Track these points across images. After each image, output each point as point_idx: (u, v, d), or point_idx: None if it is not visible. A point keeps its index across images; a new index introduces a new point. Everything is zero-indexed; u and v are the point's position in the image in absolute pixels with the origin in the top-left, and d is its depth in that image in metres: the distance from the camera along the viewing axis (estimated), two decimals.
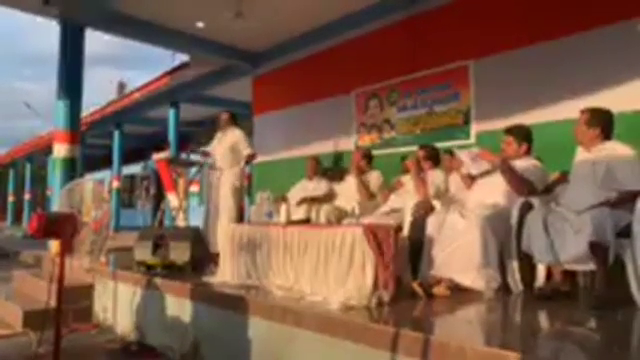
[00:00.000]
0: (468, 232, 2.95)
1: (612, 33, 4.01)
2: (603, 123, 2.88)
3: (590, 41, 4.13)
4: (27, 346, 3.41)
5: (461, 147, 4.43)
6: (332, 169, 6.07)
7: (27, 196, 19.78)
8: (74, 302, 4.08)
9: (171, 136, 10.43)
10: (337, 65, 6.43)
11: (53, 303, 2.44)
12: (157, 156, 5.46)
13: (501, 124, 3.69)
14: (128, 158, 15.10)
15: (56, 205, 2.64)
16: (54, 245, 2.42)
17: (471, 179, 3.52)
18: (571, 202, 2.78)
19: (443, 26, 5.26)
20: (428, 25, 5.43)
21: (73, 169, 5.70)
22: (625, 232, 2.54)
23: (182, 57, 8.84)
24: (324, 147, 6.44)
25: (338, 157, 6.30)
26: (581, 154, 2.99)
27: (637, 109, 3.78)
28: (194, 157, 5.46)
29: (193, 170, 6.10)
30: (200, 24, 6.61)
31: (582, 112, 2.96)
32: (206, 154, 5.39)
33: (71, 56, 5.87)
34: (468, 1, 5.08)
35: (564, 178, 3.19)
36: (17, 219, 21.36)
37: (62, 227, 2.34)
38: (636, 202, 2.55)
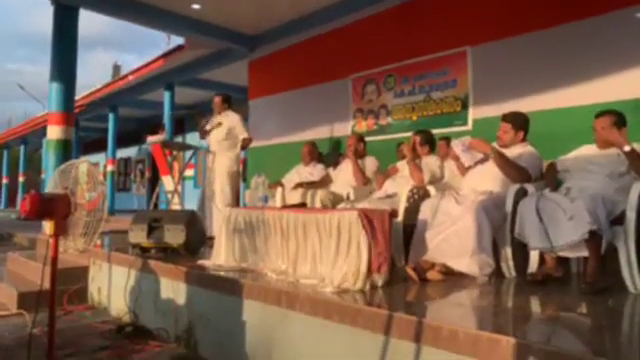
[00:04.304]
0: (463, 218, 2.95)
1: (611, 21, 3.99)
2: (624, 123, 2.93)
3: (589, 29, 4.11)
4: (22, 327, 3.42)
5: (458, 134, 4.43)
6: (328, 154, 6.05)
7: (21, 178, 19.70)
8: (69, 284, 4.09)
9: (166, 119, 10.37)
10: (334, 49, 6.38)
11: (47, 285, 2.44)
12: (152, 139, 5.43)
13: (498, 111, 3.68)
14: (123, 141, 15.03)
15: (49, 186, 2.62)
16: (48, 226, 2.41)
17: (465, 168, 3.53)
18: (578, 190, 2.80)
19: (441, 11, 5.23)
20: (426, 10, 5.39)
21: (67, 151, 5.67)
22: (619, 220, 2.56)
23: (178, 40, 8.76)
24: (320, 132, 6.42)
25: (334, 142, 6.29)
26: (593, 149, 3.02)
27: (634, 97, 3.78)
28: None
29: (188, 153, 6.08)
30: (196, 6, 6.53)
31: (604, 115, 2.96)
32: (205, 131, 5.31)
33: (65, 37, 5.80)
34: None
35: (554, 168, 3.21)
36: (11, 201, 21.30)
37: (55, 208, 2.32)
38: (630, 191, 2.57)
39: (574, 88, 4.17)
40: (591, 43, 4.11)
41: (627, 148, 2.74)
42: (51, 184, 2.57)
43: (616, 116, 2.93)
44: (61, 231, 2.40)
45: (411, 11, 5.53)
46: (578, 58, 4.17)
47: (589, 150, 3.07)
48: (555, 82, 4.28)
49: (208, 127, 5.30)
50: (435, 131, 4.56)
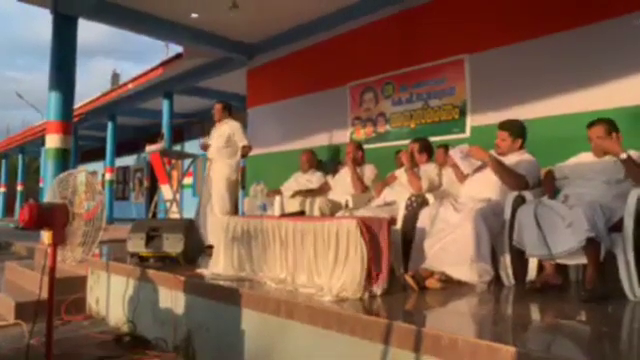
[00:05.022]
0: (461, 226, 2.95)
1: (608, 28, 4.01)
2: (617, 129, 2.94)
3: (586, 36, 4.14)
4: (19, 337, 3.40)
5: (456, 141, 4.44)
6: (327, 162, 6.06)
7: (19, 187, 19.68)
8: (67, 293, 4.07)
9: (165, 128, 10.39)
10: (332, 58, 6.41)
11: (45, 294, 2.43)
12: (150, 148, 5.44)
13: (497, 118, 3.69)
14: (122, 150, 15.04)
15: (48, 196, 2.62)
16: (46, 236, 2.40)
17: (464, 175, 3.54)
18: (576, 197, 2.81)
19: (438, 19, 5.26)
20: (423, 18, 5.42)
21: (66, 160, 5.66)
22: (617, 227, 2.57)
23: (177, 48, 8.80)
24: (319, 140, 6.44)
25: (333, 150, 6.30)
26: (590, 157, 3.03)
27: (632, 105, 3.80)
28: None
29: (187, 162, 6.07)
30: (194, 15, 6.56)
31: (597, 124, 2.97)
32: (206, 147, 5.34)
33: (64, 46, 5.81)
34: None
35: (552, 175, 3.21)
36: (9, 210, 21.25)
37: (54, 217, 2.32)
38: (628, 197, 2.58)
39: (572, 95, 4.19)
40: (588, 50, 4.13)
41: (623, 156, 2.75)
42: (50, 194, 2.57)
43: (608, 124, 2.95)
44: (59, 241, 2.40)
45: (409, 19, 5.56)
46: (576, 65, 4.20)
47: (587, 157, 3.08)
48: (553, 89, 4.30)
49: (209, 141, 5.32)
50: (433, 139, 4.58)
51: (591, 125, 2.99)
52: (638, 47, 3.86)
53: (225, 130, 5.21)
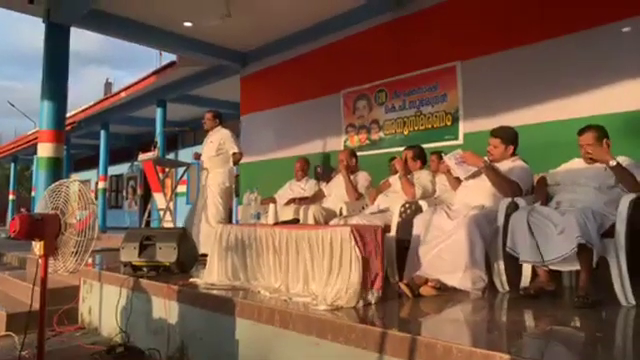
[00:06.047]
0: (455, 232, 2.96)
1: (599, 35, 4.06)
2: (607, 135, 2.95)
3: (577, 43, 4.18)
4: (10, 349, 3.36)
5: (449, 148, 4.46)
6: (322, 169, 6.06)
7: (11, 196, 19.53)
8: (59, 304, 4.03)
9: (158, 136, 10.36)
10: (326, 65, 6.44)
11: (37, 305, 2.40)
12: (143, 156, 5.42)
13: (490, 125, 3.71)
14: (115, 158, 14.98)
15: (39, 206, 2.60)
16: (37, 247, 2.38)
17: (458, 181, 3.54)
18: (569, 203, 2.82)
19: (431, 27, 5.30)
20: (416, 26, 5.46)
21: (58, 169, 5.64)
22: (610, 232, 2.58)
23: (170, 56, 8.79)
24: (312, 147, 6.44)
25: (327, 158, 6.30)
26: (582, 163, 3.04)
27: (622, 111, 3.84)
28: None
29: (180, 170, 6.06)
30: (188, 24, 6.57)
31: (586, 131, 2.98)
32: (198, 156, 5.35)
33: (56, 55, 5.80)
34: (455, 3, 5.12)
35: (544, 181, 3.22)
36: (1, 220, 21.07)
37: (45, 228, 2.30)
38: (619, 203, 2.59)
39: (564, 101, 4.22)
40: (579, 57, 4.17)
41: (612, 163, 2.77)
42: (41, 204, 2.55)
43: (598, 130, 2.96)
44: (51, 251, 2.37)
45: (401, 27, 5.60)
46: (567, 72, 4.23)
47: (579, 163, 3.09)
48: (545, 96, 4.33)
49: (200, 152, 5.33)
50: (426, 146, 4.58)
51: (581, 132, 3.01)
52: (628, 54, 3.91)
53: (215, 139, 5.21)
